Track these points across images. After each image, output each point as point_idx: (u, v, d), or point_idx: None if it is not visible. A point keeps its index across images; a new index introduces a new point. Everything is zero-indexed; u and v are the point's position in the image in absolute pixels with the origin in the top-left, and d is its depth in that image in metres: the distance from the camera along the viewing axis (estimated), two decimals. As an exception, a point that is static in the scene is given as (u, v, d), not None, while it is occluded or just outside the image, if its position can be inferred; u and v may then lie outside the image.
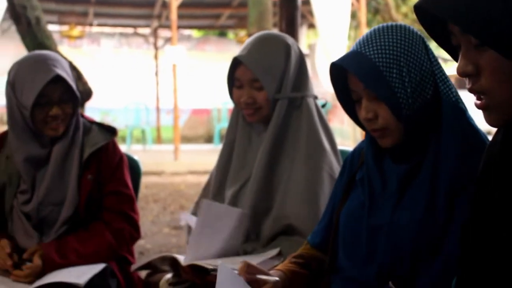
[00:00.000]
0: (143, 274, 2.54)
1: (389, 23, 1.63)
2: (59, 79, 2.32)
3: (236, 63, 2.22)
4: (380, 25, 1.63)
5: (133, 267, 2.25)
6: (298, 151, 2.20)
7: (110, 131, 2.53)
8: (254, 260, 1.97)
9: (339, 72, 1.67)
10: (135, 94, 18.13)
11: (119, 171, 2.51)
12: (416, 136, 1.60)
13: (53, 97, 2.35)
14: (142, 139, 15.59)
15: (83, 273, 2.25)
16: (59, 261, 2.30)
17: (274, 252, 2.07)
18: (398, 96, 1.56)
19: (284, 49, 2.22)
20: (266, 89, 2.18)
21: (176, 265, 2.06)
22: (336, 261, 1.76)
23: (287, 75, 2.21)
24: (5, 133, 2.52)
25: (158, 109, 17.09)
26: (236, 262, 1.92)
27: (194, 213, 2.38)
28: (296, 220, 2.12)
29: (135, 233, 2.52)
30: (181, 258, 2.04)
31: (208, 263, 1.97)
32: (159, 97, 17.04)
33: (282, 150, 2.22)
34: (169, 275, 2.13)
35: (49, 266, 2.28)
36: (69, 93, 2.38)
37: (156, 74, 17.16)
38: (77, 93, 2.41)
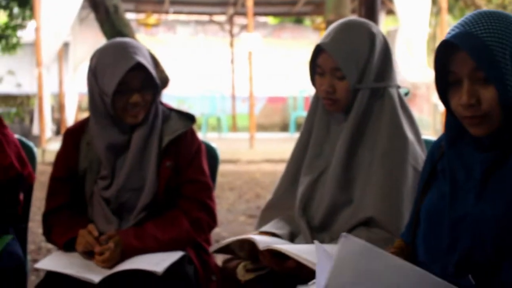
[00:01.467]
0: (219, 260, 2.57)
1: (493, 10, 1.59)
2: (139, 67, 2.36)
3: (318, 50, 2.22)
4: (484, 9, 1.60)
5: (211, 248, 2.26)
6: (379, 142, 2.17)
7: (189, 118, 2.56)
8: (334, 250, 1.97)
9: (441, 52, 1.63)
10: (210, 82, 18.28)
11: (197, 159, 2.54)
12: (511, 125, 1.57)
13: (134, 84, 2.39)
14: (217, 127, 15.72)
15: (162, 260, 2.29)
16: (137, 247, 2.34)
17: None
18: (507, 80, 1.52)
19: (368, 37, 2.19)
20: (348, 79, 2.17)
21: (254, 250, 2.07)
22: (416, 255, 1.75)
23: (370, 65, 2.18)
24: (86, 120, 2.58)
25: (233, 97, 17.19)
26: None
27: (259, 227, 2.35)
28: (376, 213, 2.09)
29: (212, 222, 2.55)
30: (259, 242, 2.04)
31: (287, 249, 1.97)
32: (235, 85, 17.13)
33: (362, 140, 2.20)
34: (246, 262, 2.15)
35: (128, 252, 2.32)
36: (149, 81, 2.42)
37: (232, 61, 17.25)
38: (157, 81, 2.45)
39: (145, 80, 2.41)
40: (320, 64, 2.22)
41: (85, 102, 15.24)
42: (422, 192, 1.79)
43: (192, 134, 2.56)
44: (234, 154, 11.67)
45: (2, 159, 2.49)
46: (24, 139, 2.84)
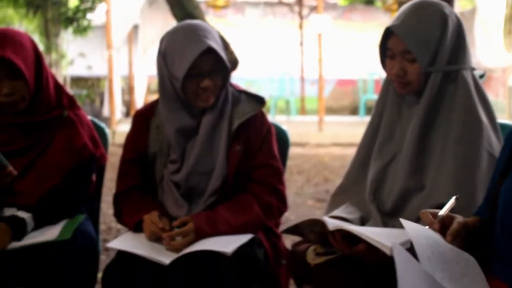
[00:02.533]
0: (288, 244, 2.59)
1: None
2: (210, 51, 2.37)
3: (388, 32, 2.20)
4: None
5: (281, 227, 2.27)
6: (452, 127, 2.14)
7: (258, 100, 2.56)
8: (408, 236, 1.96)
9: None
10: (279, 64, 18.26)
11: (267, 143, 2.54)
12: None
13: (204, 68, 2.40)
14: (286, 110, 15.70)
15: (231, 242, 2.31)
16: (209, 231, 2.37)
17: None
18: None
19: (440, 19, 2.15)
20: (419, 62, 2.14)
21: (323, 233, 2.08)
22: (494, 239, 1.73)
23: (442, 47, 2.15)
24: (155, 102, 2.61)
25: (302, 80, 17.14)
26: (390, 236, 1.92)
27: (329, 212, 2.35)
28: (449, 200, 2.08)
29: (282, 207, 2.56)
30: (329, 223, 2.04)
31: (358, 230, 1.97)
32: (304, 67, 17.07)
33: (435, 124, 2.17)
34: (316, 245, 2.16)
35: (199, 237, 2.35)
36: (219, 64, 2.42)
37: (301, 43, 17.18)
38: (227, 64, 2.45)
39: (216, 64, 2.42)
40: (390, 46, 2.20)
41: (154, 84, 15.44)
42: (502, 174, 1.76)
43: (262, 117, 2.57)
44: (303, 137, 11.64)
45: (76, 140, 2.56)
46: (96, 120, 2.90)
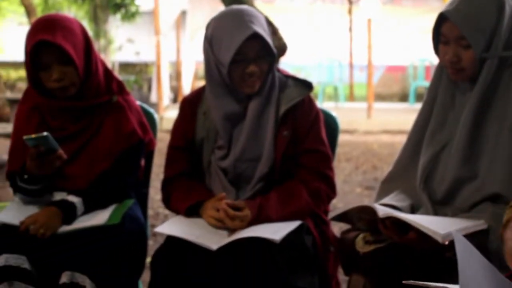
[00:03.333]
0: (336, 230, 2.58)
1: None
2: (256, 36, 2.36)
3: (442, 18, 2.16)
4: None
5: (330, 215, 2.26)
6: (507, 114, 2.10)
7: (306, 85, 2.54)
8: (460, 225, 1.94)
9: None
10: (328, 50, 18.17)
11: (315, 128, 2.52)
12: None
13: (250, 54, 2.39)
14: (334, 96, 15.64)
15: (279, 229, 2.31)
16: (259, 219, 2.37)
17: (480, 225, 1.99)
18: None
19: (496, 3, 2.11)
20: (474, 48, 2.10)
21: (373, 221, 2.06)
22: None
23: (498, 32, 2.10)
24: (202, 89, 2.62)
25: (351, 66, 17.04)
26: (442, 224, 1.90)
27: (378, 200, 2.33)
28: (504, 189, 2.03)
29: (331, 193, 2.55)
30: (379, 210, 2.03)
31: (408, 218, 1.95)
32: (353, 53, 16.96)
33: (489, 112, 2.13)
34: (365, 233, 2.15)
35: (250, 222, 2.36)
36: (265, 50, 2.42)
37: (350, 29, 17.07)
38: (274, 50, 2.45)
39: (262, 49, 2.41)
40: (444, 32, 2.17)
41: (202, 70, 15.51)
42: None
43: (310, 102, 2.55)
44: (351, 124, 11.59)
45: (125, 126, 2.59)
46: (145, 105, 2.92)
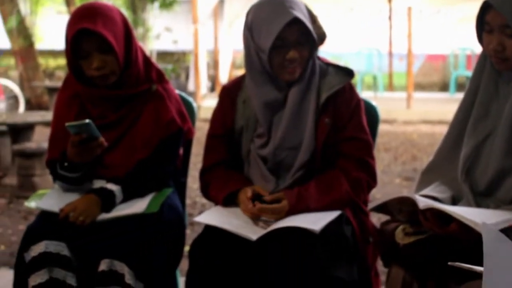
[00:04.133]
0: (375, 221, 2.57)
1: None
2: (296, 22, 2.35)
3: (486, 6, 2.13)
4: None
5: (369, 205, 2.25)
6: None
7: (347, 73, 2.53)
8: (502, 216, 1.92)
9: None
10: (367, 38, 18.04)
11: (356, 115, 2.51)
12: None
13: (291, 39, 2.38)
14: (373, 86, 15.55)
15: (319, 219, 2.31)
16: (299, 208, 2.37)
17: None
18: None
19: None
20: (519, 36, 2.07)
21: (413, 212, 2.05)
22: None
23: (544, 21, 2.07)
24: (241, 77, 2.62)
25: (390, 54, 16.91)
26: (484, 215, 1.88)
27: (418, 191, 2.31)
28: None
29: (372, 182, 2.53)
30: (420, 201, 2.01)
31: (450, 209, 1.93)
32: (392, 42, 16.83)
33: (534, 102, 2.11)
34: (405, 224, 2.14)
35: (290, 213, 2.36)
36: (306, 36, 2.40)
37: (390, 17, 16.94)
38: (314, 35, 2.44)
39: (302, 36, 2.40)
40: (488, 21, 2.13)
41: (239, 59, 15.54)
42: None
43: (351, 89, 2.54)
44: (390, 114, 11.52)
45: (164, 114, 2.60)
46: (184, 94, 2.93)
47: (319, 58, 2.55)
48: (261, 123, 2.50)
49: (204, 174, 2.63)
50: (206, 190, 2.61)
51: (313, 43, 2.44)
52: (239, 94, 2.59)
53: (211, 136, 2.63)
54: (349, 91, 2.53)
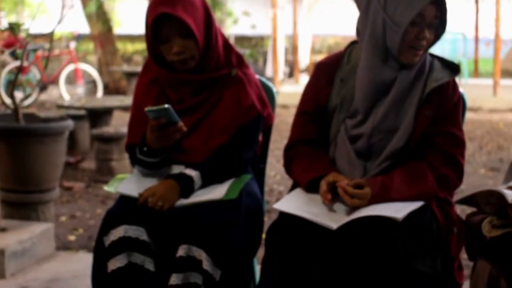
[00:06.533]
0: (458, 211, 2.52)
1: None
2: (437, 2, 2.32)
3: None
4: None
5: (455, 197, 2.21)
6: None
7: (452, 67, 2.50)
8: None
9: None
10: (452, 22, 17.67)
11: (455, 112, 2.48)
12: None
13: (428, 18, 2.34)
14: (457, 72, 15.24)
15: (401, 208, 2.27)
16: (381, 198, 2.33)
17: None
18: None
19: None
20: None
21: (502, 205, 2.00)
22: None
23: None
24: (341, 53, 2.56)
25: (476, 40, 16.55)
26: None
27: (507, 181, 2.25)
28: None
29: (457, 180, 2.47)
30: (509, 195, 1.96)
31: None
32: (479, 26, 16.46)
33: None
34: (492, 217, 2.09)
35: (370, 201, 2.32)
36: (439, 20, 2.37)
37: (476, 1, 16.57)
38: (447, 22, 2.39)
39: (436, 18, 2.37)
40: None
41: (319, 43, 15.46)
42: None
43: (455, 85, 2.51)
44: (475, 102, 11.30)
45: (243, 99, 2.61)
46: (264, 79, 2.93)
47: None
48: (361, 101, 2.45)
49: (289, 150, 2.60)
50: (289, 167, 2.58)
51: (443, 30, 2.41)
52: (337, 72, 2.54)
53: (301, 113, 2.59)
54: (453, 86, 2.50)
